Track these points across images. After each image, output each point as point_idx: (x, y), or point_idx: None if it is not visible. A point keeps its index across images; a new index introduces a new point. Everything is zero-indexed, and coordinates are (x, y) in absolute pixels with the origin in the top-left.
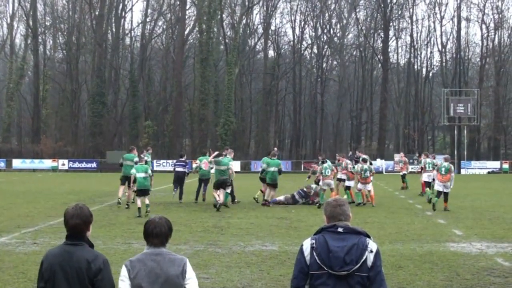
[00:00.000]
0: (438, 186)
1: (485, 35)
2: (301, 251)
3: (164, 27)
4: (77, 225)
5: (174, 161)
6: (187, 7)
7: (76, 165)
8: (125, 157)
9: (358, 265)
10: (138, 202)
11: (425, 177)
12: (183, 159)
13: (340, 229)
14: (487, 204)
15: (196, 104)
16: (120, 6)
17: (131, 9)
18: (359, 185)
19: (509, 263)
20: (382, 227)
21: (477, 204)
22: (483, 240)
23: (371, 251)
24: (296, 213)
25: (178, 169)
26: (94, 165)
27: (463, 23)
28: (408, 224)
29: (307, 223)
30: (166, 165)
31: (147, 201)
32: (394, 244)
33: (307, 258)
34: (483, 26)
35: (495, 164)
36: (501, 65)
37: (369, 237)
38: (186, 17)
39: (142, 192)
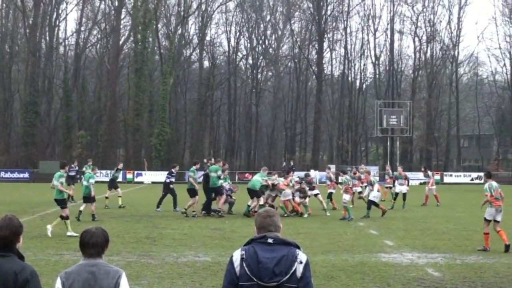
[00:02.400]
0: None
1: (418, 47)
2: (231, 262)
3: (99, 36)
4: (6, 236)
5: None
6: (122, 16)
7: (8, 175)
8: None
9: (288, 276)
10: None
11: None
12: (172, 169)
13: (270, 240)
14: (418, 215)
15: (131, 114)
16: (54, 15)
17: (65, 18)
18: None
19: (439, 273)
20: (315, 238)
21: (408, 215)
22: (414, 251)
23: (301, 262)
24: (230, 223)
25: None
26: (26, 175)
27: (396, 36)
28: (340, 234)
29: (240, 234)
30: (100, 175)
31: (81, 208)
32: (327, 254)
33: (237, 269)
34: (416, 39)
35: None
36: (433, 77)
37: (299, 248)
38: (121, 26)
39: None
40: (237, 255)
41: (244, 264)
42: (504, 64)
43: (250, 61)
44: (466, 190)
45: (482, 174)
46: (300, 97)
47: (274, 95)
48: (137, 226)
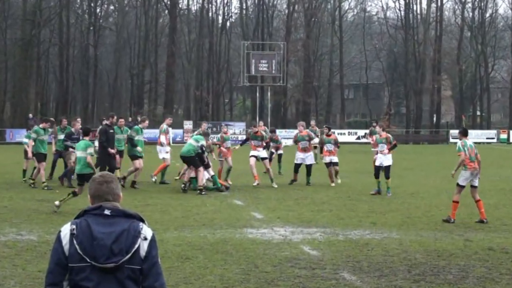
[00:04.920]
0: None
1: None
2: (58, 239)
3: None
4: None
5: None
6: None
7: None
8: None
9: (129, 255)
10: None
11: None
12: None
13: (107, 212)
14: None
15: None
16: None
17: None
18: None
19: (318, 252)
20: (167, 210)
21: (281, 181)
22: (288, 225)
23: (145, 238)
24: (61, 193)
25: None
26: None
27: None
28: (198, 206)
29: (75, 206)
30: None
31: None
32: (181, 230)
33: (66, 247)
34: None
35: None
36: (312, 13)
37: (143, 221)
38: None
39: None
40: (66, 231)
41: (75, 241)
42: None
43: None
44: (351, 151)
45: (368, 131)
46: (149, 37)
47: (117, 35)
48: None
